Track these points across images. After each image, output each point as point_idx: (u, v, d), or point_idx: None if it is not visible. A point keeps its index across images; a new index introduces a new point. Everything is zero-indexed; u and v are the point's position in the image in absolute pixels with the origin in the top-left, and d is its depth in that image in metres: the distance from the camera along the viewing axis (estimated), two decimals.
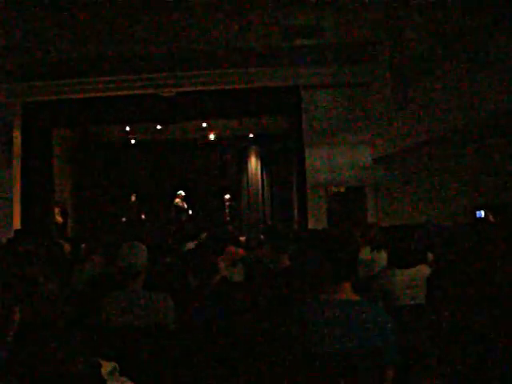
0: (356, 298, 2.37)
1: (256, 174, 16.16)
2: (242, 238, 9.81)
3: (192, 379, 2.79)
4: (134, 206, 14.56)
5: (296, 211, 12.40)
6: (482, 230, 2.98)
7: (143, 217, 14.54)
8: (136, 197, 14.61)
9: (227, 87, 10.63)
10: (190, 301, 3.20)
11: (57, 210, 12.04)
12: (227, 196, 14.80)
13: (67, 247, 6.12)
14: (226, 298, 3.12)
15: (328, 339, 2.24)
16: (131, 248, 3.11)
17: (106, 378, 1.55)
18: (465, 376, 2.09)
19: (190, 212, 14.43)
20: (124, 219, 14.34)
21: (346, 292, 2.36)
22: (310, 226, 10.20)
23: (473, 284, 2.26)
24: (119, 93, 10.68)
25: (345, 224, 9.94)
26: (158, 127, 13.94)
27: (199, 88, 10.68)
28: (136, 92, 10.70)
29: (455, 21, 7.27)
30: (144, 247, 3.17)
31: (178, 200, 14.28)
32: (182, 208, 14.29)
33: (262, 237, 8.97)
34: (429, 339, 2.80)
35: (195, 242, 6.23)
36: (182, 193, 14.35)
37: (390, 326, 2.31)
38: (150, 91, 10.75)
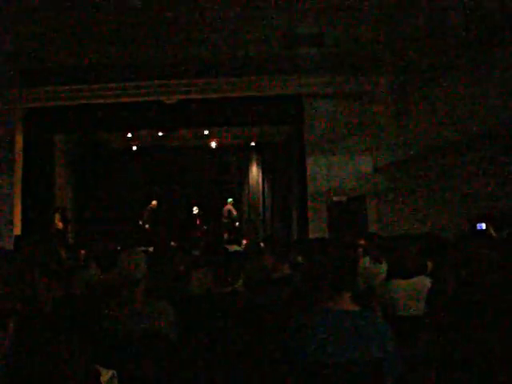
0: (356, 308, 2.36)
1: (257, 182, 16.18)
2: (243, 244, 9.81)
3: None
4: (153, 211, 14.69)
5: (296, 220, 12.39)
6: (482, 243, 2.98)
7: (147, 226, 14.60)
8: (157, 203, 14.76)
9: (229, 95, 10.65)
10: (192, 309, 3.19)
11: (57, 216, 12.05)
12: (195, 209, 14.86)
13: (63, 253, 6.11)
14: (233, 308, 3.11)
15: (327, 349, 2.23)
16: (130, 256, 3.09)
17: None
18: None
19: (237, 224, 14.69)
20: (141, 223, 14.47)
21: (346, 302, 2.35)
22: (311, 234, 10.19)
23: (474, 296, 2.25)
24: (121, 99, 10.70)
25: (345, 233, 9.93)
26: (160, 134, 13.96)
27: (201, 96, 10.70)
28: (138, 99, 10.72)
29: (457, 31, 7.30)
30: (143, 254, 3.16)
31: (229, 207, 14.48)
32: (232, 214, 14.52)
33: (262, 245, 8.96)
34: (428, 350, 2.79)
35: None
36: (231, 200, 14.67)
37: (389, 336, 2.31)
38: (153, 98, 10.77)
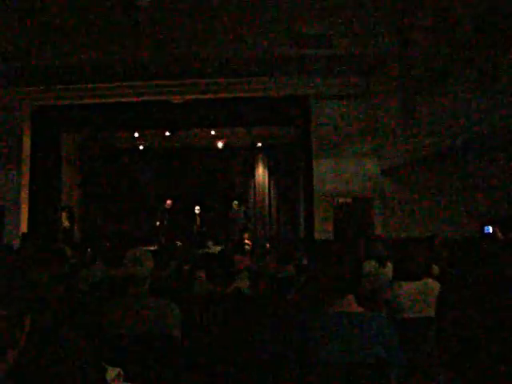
0: (360, 310, 2.36)
1: (263, 183, 16.18)
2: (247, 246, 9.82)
3: None
4: (168, 211, 14.73)
5: (302, 221, 12.39)
6: (489, 246, 2.97)
7: (158, 223, 14.64)
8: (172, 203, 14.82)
9: (236, 96, 10.66)
10: (196, 307, 3.20)
11: (64, 215, 12.10)
12: (197, 208, 14.90)
13: (69, 252, 6.14)
14: (237, 307, 3.11)
15: (332, 352, 2.23)
16: (136, 255, 3.10)
17: (110, 383, 1.55)
18: None
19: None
20: (158, 223, 14.50)
21: (350, 304, 2.35)
22: (317, 236, 10.19)
23: (481, 297, 2.25)
24: (128, 99, 10.73)
25: (351, 235, 9.92)
26: (167, 134, 13.99)
27: (208, 96, 10.72)
28: (145, 98, 10.74)
29: (465, 33, 7.28)
30: (149, 254, 3.17)
31: (241, 208, 14.70)
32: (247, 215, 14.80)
33: (267, 246, 8.98)
34: (434, 352, 2.79)
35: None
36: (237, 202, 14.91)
37: (394, 337, 2.30)
38: (160, 98, 10.79)
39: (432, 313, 3.47)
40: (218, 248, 6.35)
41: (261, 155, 16.15)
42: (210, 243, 8.94)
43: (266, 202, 16.12)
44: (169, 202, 14.62)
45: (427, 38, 8.60)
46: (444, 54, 7.93)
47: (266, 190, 16.17)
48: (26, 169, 10.85)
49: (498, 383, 2.01)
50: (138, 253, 3.13)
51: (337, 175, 10.50)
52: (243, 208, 14.84)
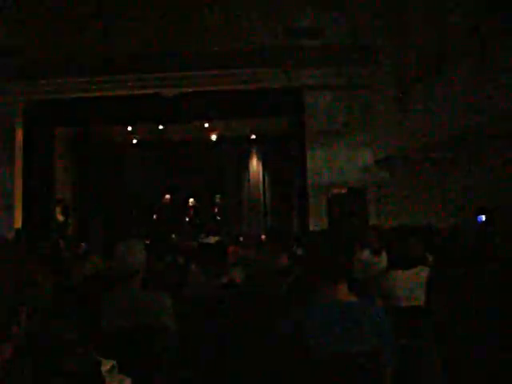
0: (352, 299, 2.36)
1: (257, 175, 16.16)
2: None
3: (189, 379, 2.79)
4: (168, 205, 14.76)
5: (297, 212, 12.39)
6: (482, 234, 2.98)
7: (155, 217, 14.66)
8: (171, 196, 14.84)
9: (229, 88, 10.62)
10: (189, 301, 3.20)
11: (58, 209, 12.05)
12: (191, 200, 14.93)
13: (62, 245, 6.15)
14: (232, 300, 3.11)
15: (325, 341, 2.23)
16: (127, 247, 3.08)
17: (105, 375, 1.56)
18: (465, 375, 2.09)
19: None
20: (155, 217, 14.52)
21: (343, 293, 2.35)
22: (311, 227, 10.20)
23: (473, 285, 2.26)
24: (121, 92, 10.67)
25: (345, 225, 9.93)
26: (160, 127, 13.93)
27: (201, 88, 10.67)
28: (138, 92, 10.69)
29: (460, 23, 7.27)
30: (141, 246, 3.14)
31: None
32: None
33: (263, 237, 9.00)
34: (428, 339, 2.80)
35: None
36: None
37: (387, 326, 2.31)
38: (152, 91, 10.75)
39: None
40: (212, 239, 6.34)
41: (254, 147, 16.12)
42: (202, 235, 8.94)
43: (261, 193, 16.11)
44: (167, 196, 14.66)
45: (422, 26, 8.58)
46: (439, 42, 7.93)
47: (261, 182, 16.16)
48: (19, 164, 10.80)
49: (489, 368, 2.03)
50: (130, 244, 3.11)
51: (331, 166, 10.50)
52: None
